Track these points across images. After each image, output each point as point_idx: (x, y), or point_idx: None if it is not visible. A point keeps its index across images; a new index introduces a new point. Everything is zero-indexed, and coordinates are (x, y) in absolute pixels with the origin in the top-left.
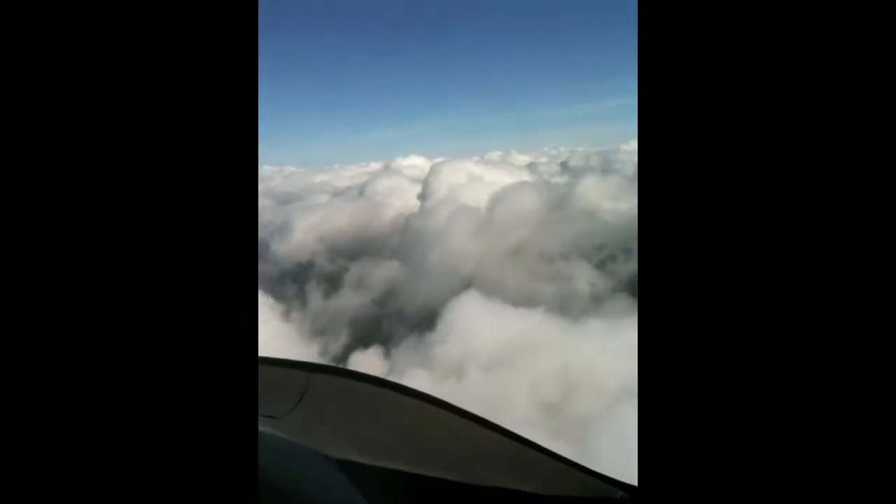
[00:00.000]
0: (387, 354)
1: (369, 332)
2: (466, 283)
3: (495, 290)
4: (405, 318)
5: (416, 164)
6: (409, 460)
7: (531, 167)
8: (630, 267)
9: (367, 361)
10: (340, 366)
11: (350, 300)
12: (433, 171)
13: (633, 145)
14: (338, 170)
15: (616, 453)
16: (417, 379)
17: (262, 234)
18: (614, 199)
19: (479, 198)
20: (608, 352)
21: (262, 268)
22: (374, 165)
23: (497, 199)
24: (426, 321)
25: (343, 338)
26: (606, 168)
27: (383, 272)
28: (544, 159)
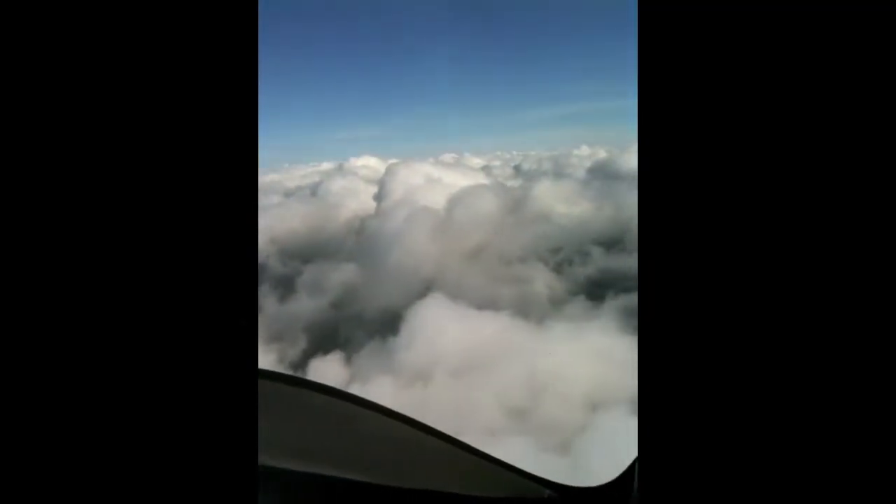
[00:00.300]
0: (348, 361)
1: (328, 337)
2: (427, 286)
3: (458, 293)
4: (365, 323)
5: (369, 164)
6: (328, 463)
7: (485, 170)
8: (586, 270)
9: (328, 368)
10: (299, 373)
11: (306, 304)
12: (389, 171)
13: (585, 150)
14: (288, 169)
15: (607, 459)
16: (382, 386)
17: None
18: (568, 202)
19: (437, 199)
20: (574, 356)
21: None
22: (327, 165)
23: (455, 201)
24: (388, 325)
25: (301, 343)
26: (559, 172)
27: (340, 275)
28: (498, 163)
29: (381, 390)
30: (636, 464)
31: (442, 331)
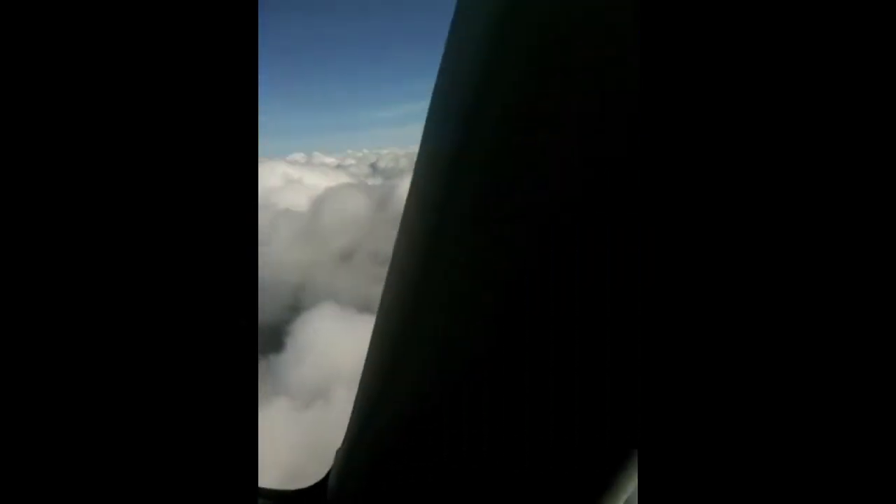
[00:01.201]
0: None
1: None
2: (302, 293)
3: (335, 298)
4: None
5: None
6: None
7: (342, 169)
8: None
9: None
10: None
11: None
12: None
13: None
14: None
15: None
16: (278, 409)
17: None
18: None
19: (299, 201)
20: None
21: None
22: None
23: (320, 202)
24: (268, 341)
25: None
26: None
27: None
28: (352, 161)
29: (279, 414)
30: (333, 468)
31: (332, 342)
